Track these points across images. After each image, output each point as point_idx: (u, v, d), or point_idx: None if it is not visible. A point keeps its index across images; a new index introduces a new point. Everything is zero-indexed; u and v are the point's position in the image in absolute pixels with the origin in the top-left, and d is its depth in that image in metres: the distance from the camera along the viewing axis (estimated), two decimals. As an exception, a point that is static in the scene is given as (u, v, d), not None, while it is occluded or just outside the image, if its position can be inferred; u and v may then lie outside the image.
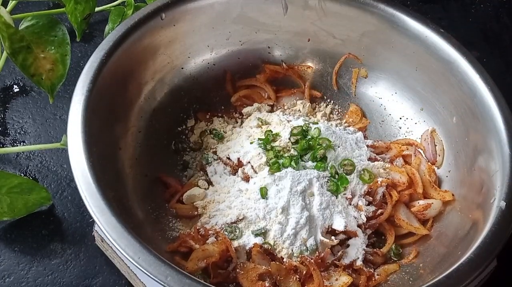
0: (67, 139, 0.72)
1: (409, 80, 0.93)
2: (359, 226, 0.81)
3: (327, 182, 0.82)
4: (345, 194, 0.82)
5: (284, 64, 0.98)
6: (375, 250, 0.81)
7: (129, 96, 0.86)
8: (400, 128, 0.94)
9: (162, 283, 0.62)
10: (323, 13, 0.94)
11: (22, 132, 0.97)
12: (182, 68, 0.93)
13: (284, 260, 0.77)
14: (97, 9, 0.99)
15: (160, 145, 0.89)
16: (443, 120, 0.89)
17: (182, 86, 0.93)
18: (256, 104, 0.95)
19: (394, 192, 0.84)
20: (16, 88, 1.02)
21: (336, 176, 0.83)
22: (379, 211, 0.83)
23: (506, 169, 0.75)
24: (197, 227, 0.80)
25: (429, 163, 0.89)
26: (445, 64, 0.87)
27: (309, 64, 0.99)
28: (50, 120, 0.99)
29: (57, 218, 0.87)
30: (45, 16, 0.89)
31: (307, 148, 0.85)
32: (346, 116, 0.97)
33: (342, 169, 0.84)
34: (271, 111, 0.96)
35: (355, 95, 0.98)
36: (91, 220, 0.86)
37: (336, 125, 0.94)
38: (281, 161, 0.83)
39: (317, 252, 0.78)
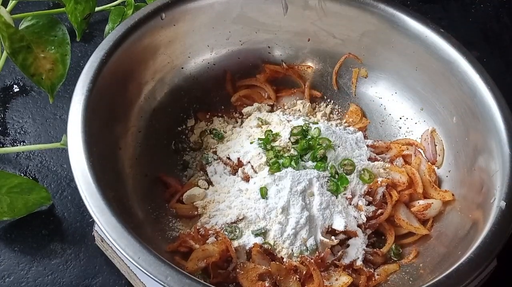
0: (67, 139, 0.72)
1: (409, 80, 0.93)
2: (359, 226, 0.81)
3: (327, 181, 0.82)
4: (345, 194, 0.82)
5: (284, 64, 0.98)
6: (375, 250, 0.81)
7: (129, 96, 0.86)
8: (400, 128, 0.94)
9: (162, 283, 0.62)
10: (323, 13, 0.94)
11: (22, 132, 0.97)
12: (182, 68, 0.93)
13: (284, 260, 0.77)
14: (97, 9, 0.99)
15: (160, 145, 0.89)
16: (443, 120, 0.89)
17: (182, 86, 0.93)
18: (256, 104, 0.95)
19: (394, 192, 0.84)
20: (16, 88, 1.02)
21: (336, 176, 0.83)
22: (379, 211, 0.83)
23: (506, 169, 0.75)
24: (197, 227, 0.80)
25: (429, 163, 0.89)
26: (445, 64, 0.87)
27: (309, 64, 0.99)
28: (50, 120, 0.99)
29: (57, 218, 0.87)
30: (45, 16, 0.89)
31: (307, 148, 0.85)
32: (346, 116, 0.97)
33: (342, 169, 0.84)
34: (271, 111, 0.96)
35: (355, 95, 0.98)
36: (91, 220, 0.86)
37: (336, 125, 0.93)
38: (281, 161, 0.83)
39: (317, 252, 0.78)
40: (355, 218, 0.81)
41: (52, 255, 0.84)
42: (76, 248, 0.85)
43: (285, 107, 0.96)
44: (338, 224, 0.79)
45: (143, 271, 0.63)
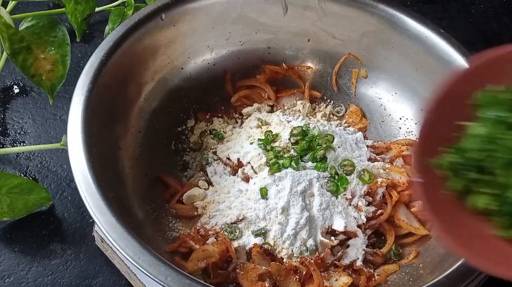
0: (67, 140, 0.72)
1: (409, 80, 0.93)
2: (359, 226, 0.81)
3: (327, 182, 0.82)
4: (345, 194, 0.82)
5: (284, 64, 0.98)
6: (375, 250, 0.81)
7: (129, 96, 0.86)
8: (400, 128, 0.94)
9: (162, 284, 0.62)
10: (323, 13, 0.94)
11: (22, 132, 0.97)
12: (182, 68, 0.93)
13: (284, 260, 0.77)
14: (97, 9, 0.99)
15: (160, 145, 0.89)
16: (443, 120, 0.89)
17: (182, 86, 0.93)
18: (256, 105, 0.95)
19: (394, 192, 0.84)
20: (16, 89, 1.02)
21: (336, 177, 0.83)
22: (379, 211, 0.83)
23: (506, 169, 0.75)
24: (197, 227, 0.80)
25: (429, 163, 0.89)
26: (445, 64, 0.87)
27: (309, 64, 0.99)
28: (50, 120, 0.99)
29: (57, 218, 0.87)
30: (45, 17, 0.89)
31: (307, 148, 0.85)
32: (346, 116, 0.97)
33: (342, 169, 0.84)
34: (271, 111, 0.95)
35: (355, 95, 0.98)
36: (91, 220, 0.86)
37: (336, 126, 0.93)
38: (281, 161, 0.83)
39: (317, 253, 0.78)
40: (355, 218, 0.81)
41: (52, 256, 0.84)
42: (76, 248, 0.85)
43: (285, 107, 0.96)
44: (338, 225, 0.79)
45: (143, 272, 0.63)
